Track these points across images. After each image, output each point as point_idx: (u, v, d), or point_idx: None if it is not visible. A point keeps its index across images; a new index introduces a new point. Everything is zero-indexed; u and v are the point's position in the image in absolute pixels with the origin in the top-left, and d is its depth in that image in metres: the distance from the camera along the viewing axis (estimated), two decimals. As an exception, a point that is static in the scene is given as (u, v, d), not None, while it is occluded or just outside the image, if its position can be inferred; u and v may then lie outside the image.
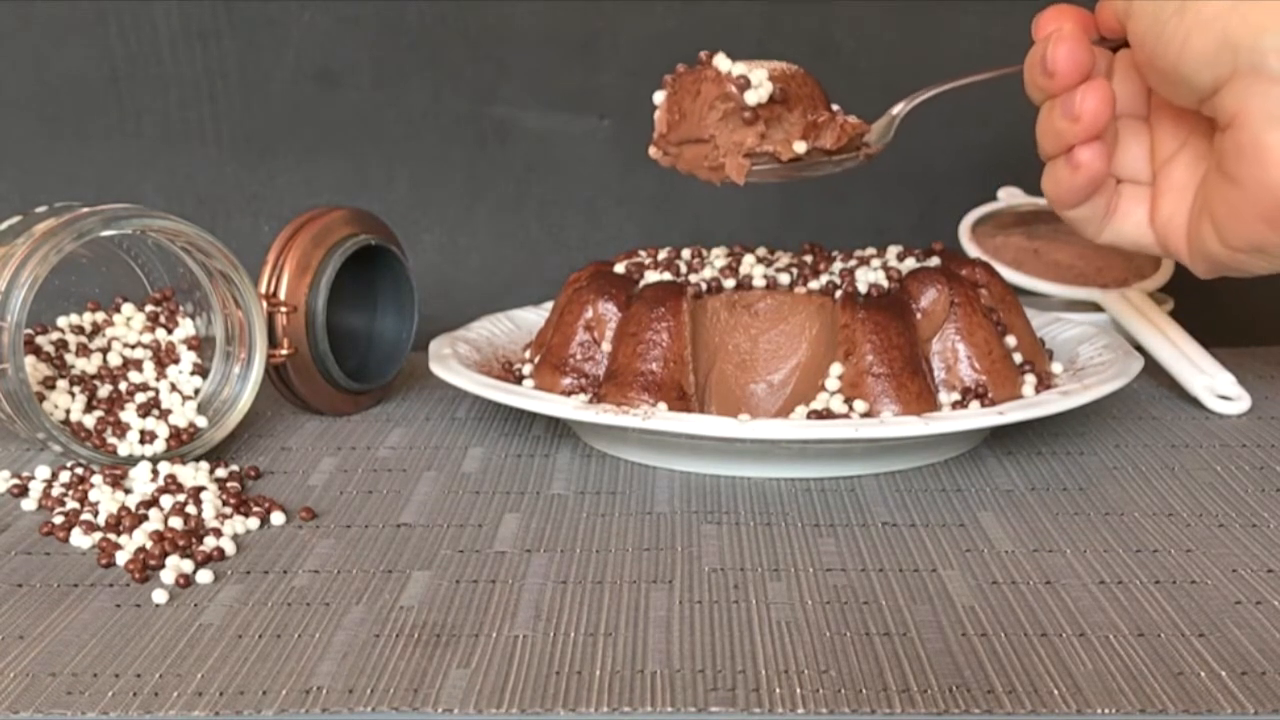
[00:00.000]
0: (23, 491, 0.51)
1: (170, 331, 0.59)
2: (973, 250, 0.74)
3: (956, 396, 0.54)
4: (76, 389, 0.56)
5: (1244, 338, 0.71)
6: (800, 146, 0.50)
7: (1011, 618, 0.39)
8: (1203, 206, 0.43)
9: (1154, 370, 0.63)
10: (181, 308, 0.59)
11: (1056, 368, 0.58)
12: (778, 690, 0.35)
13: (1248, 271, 0.43)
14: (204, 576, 0.43)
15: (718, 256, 0.60)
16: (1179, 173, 0.45)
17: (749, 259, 0.59)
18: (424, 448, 0.57)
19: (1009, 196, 0.79)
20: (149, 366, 0.57)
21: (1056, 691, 0.35)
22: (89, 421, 0.55)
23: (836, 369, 0.53)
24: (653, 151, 0.53)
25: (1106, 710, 0.34)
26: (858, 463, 0.52)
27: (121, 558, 0.45)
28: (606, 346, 0.56)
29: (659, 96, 0.53)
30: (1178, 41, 0.41)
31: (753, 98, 0.50)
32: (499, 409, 0.61)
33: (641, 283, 0.57)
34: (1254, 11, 0.39)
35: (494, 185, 0.87)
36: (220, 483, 0.52)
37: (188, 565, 0.44)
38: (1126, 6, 0.43)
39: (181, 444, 0.54)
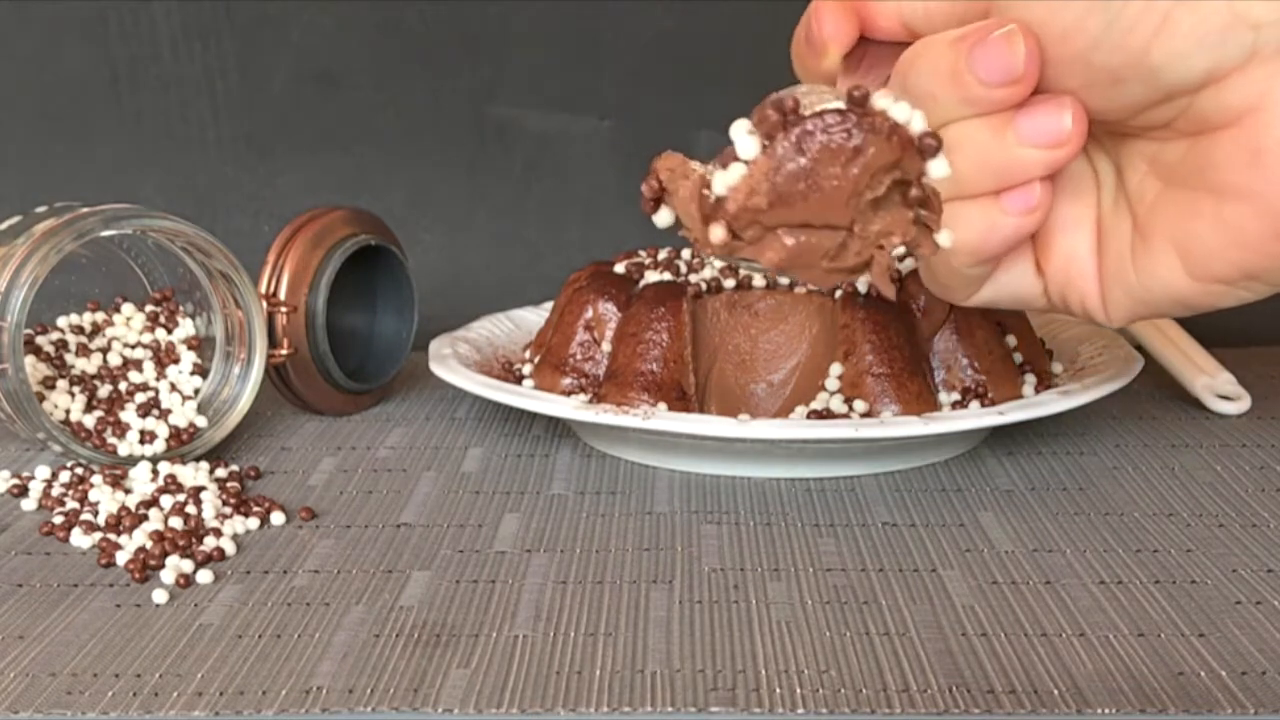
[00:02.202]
0: (22, 491, 0.51)
1: (170, 331, 0.59)
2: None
3: (956, 396, 0.54)
4: (76, 389, 0.56)
5: (1244, 338, 0.71)
6: (945, 239, 0.34)
7: (1011, 618, 0.39)
8: (1151, 236, 0.35)
9: (1154, 370, 0.63)
10: (181, 308, 0.59)
11: (1056, 368, 0.58)
12: (778, 690, 0.35)
13: (1202, 308, 0.36)
14: (204, 576, 0.43)
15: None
16: (1064, 205, 0.37)
17: (749, 259, 0.59)
18: (424, 448, 0.57)
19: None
20: (149, 366, 0.57)
21: (1056, 691, 0.35)
22: (89, 421, 0.55)
23: (836, 369, 0.53)
24: (717, 235, 0.33)
25: (1106, 710, 0.34)
26: (858, 463, 0.52)
27: (121, 558, 0.45)
28: (606, 346, 0.56)
29: (748, 144, 0.32)
30: (1148, 26, 0.32)
31: (941, 169, 0.33)
32: (499, 409, 0.61)
33: (641, 283, 0.57)
34: None
35: (494, 185, 0.87)
36: (220, 483, 0.52)
37: (188, 565, 0.44)
38: None
39: (181, 444, 0.54)
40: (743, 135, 0.33)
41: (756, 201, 0.33)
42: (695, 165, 0.35)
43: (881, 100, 0.32)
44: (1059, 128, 0.34)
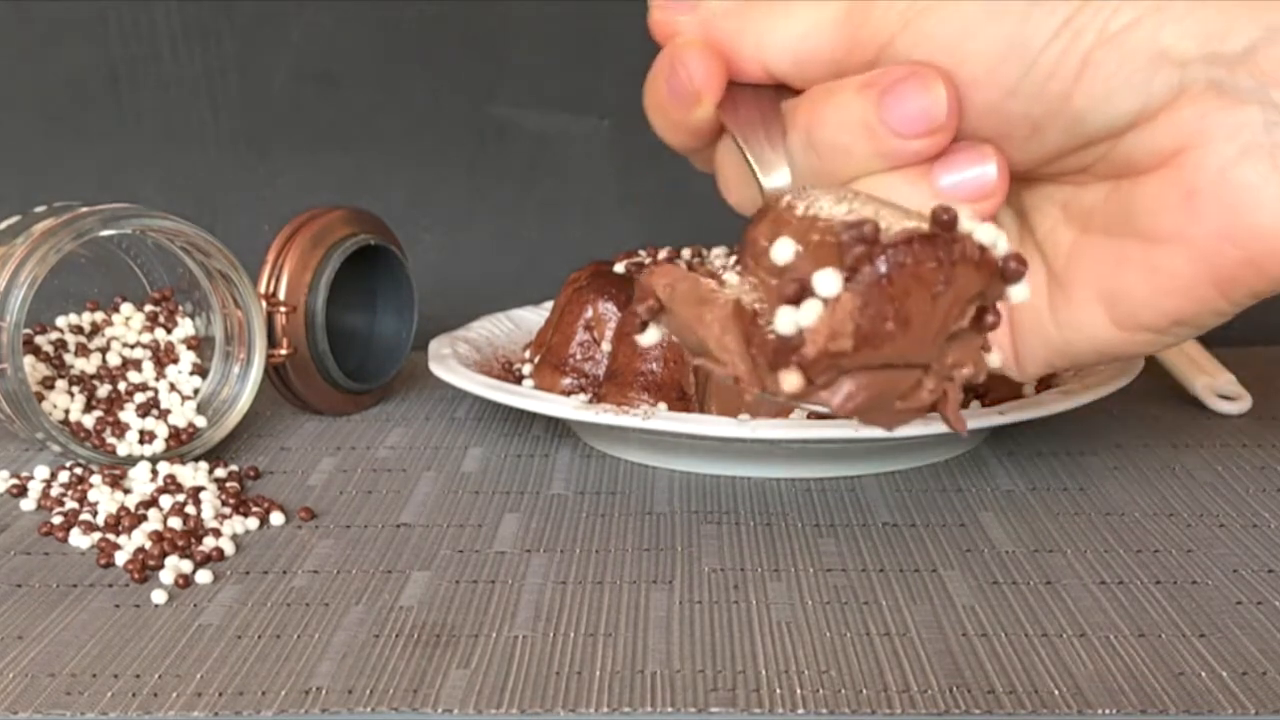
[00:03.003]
0: (22, 491, 0.51)
1: (169, 331, 0.59)
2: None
3: (957, 396, 0.54)
4: (75, 389, 0.56)
5: (1244, 338, 0.71)
6: (995, 359, 0.32)
7: (1012, 618, 0.39)
8: (1071, 287, 0.34)
9: (1154, 370, 0.63)
10: (181, 307, 0.59)
11: (1057, 368, 0.58)
12: (778, 690, 0.35)
13: (1122, 357, 0.35)
14: (203, 577, 0.43)
15: (718, 256, 0.60)
16: None
17: (749, 259, 0.59)
18: (424, 448, 0.57)
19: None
20: (148, 366, 0.57)
21: (1057, 692, 0.35)
22: (88, 421, 0.55)
23: (837, 369, 0.53)
24: (793, 383, 0.29)
25: (1107, 710, 0.34)
26: (858, 463, 0.52)
27: (121, 558, 0.44)
28: (606, 346, 0.56)
29: (829, 280, 0.28)
30: (1069, 70, 0.30)
31: (1023, 294, 0.30)
32: (499, 409, 0.61)
33: (641, 282, 0.57)
34: (1201, 12, 0.29)
35: (494, 185, 0.87)
36: (219, 483, 0.52)
37: (187, 565, 0.43)
38: (904, 35, 0.31)
39: (181, 444, 0.54)
40: (825, 273, 0.28)
41: (840, 345, 0.28)
42: (708, 282, 0.31)
43: (965, 220, 0.29)
44: (984, 180, 0.31)
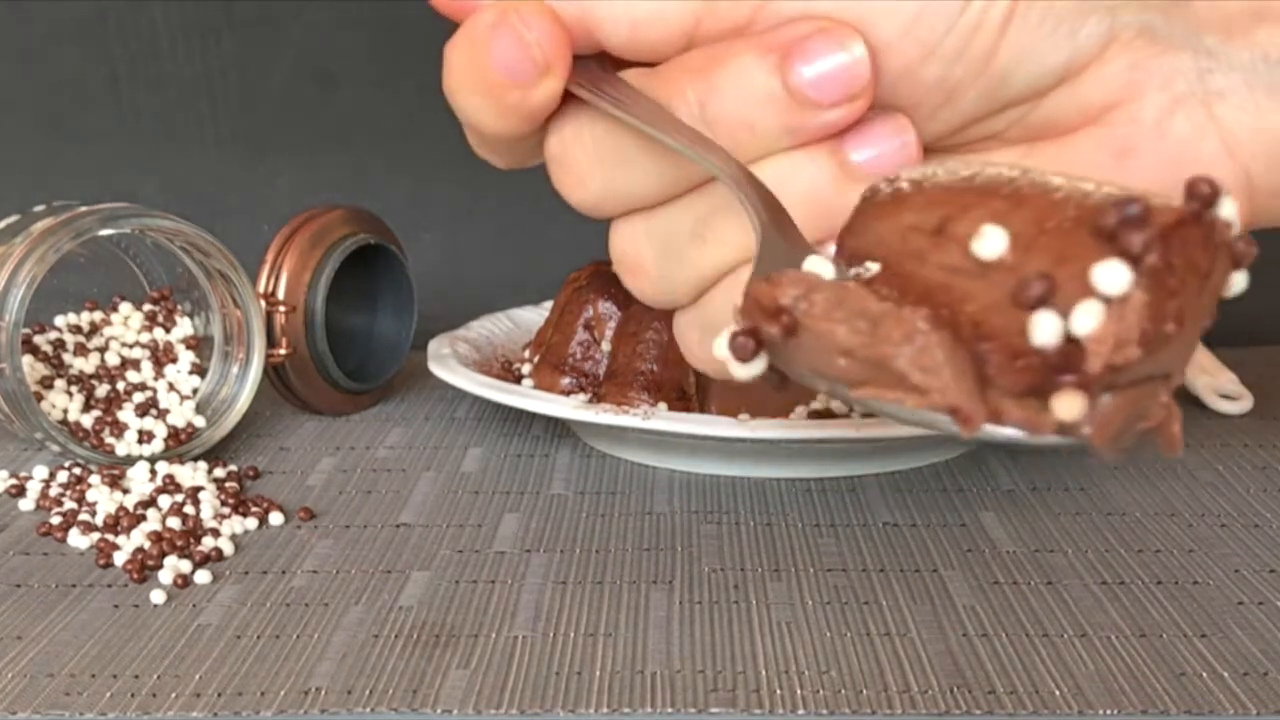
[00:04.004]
0: (20, 491, 0.51)
1: (168, 331, 0.58)
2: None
3: (957, 396, 0.53)
4: (74, 389, 0.56)
5: (1245, 337, 0.70)
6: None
7: (1012, 618, 0.39)
8: None
9: (1155, 370, 0.62)
10: (180, 307, 0.59)
11: (1057, 367, 0.58)
12: (778, 690, 0.35)
13: None
14: (202, 577, 0.43)
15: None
16: None
17: (749, 258, 0.59)
18: (423, 448, 0.57)
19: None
20: (147, 366, 0.57)
21: (1058, 692, 0.35)
22: (87, 421, 0.54)
23: (837, 369, 0.53)
24: (1075, 409, 0.22)
25: (1108, 711, 0.34)
26: (858, 462, 0.52)
27: (120, 558, 0.44)
28: (606, 346, 0.56)
29: (1117, 273, 0.22)
30: (992, 25, 0.27)
31: (1243, 283, 0.25)
32: (498, 409, 0.61)
33: (641, 282, 0.57)
34: None
35: (494, 185, 0.87)
36: (219, 483, 0.51)
37: (186, 565, 0.43)
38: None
39: (180, 444, 0.54)
40: (1110, 266, 0.22)
41: (1127, 355, 0.22)
42: (860, 288, 0.25)
43: (1225, 203, 0.24)
44: (905, 153, 0.28)
